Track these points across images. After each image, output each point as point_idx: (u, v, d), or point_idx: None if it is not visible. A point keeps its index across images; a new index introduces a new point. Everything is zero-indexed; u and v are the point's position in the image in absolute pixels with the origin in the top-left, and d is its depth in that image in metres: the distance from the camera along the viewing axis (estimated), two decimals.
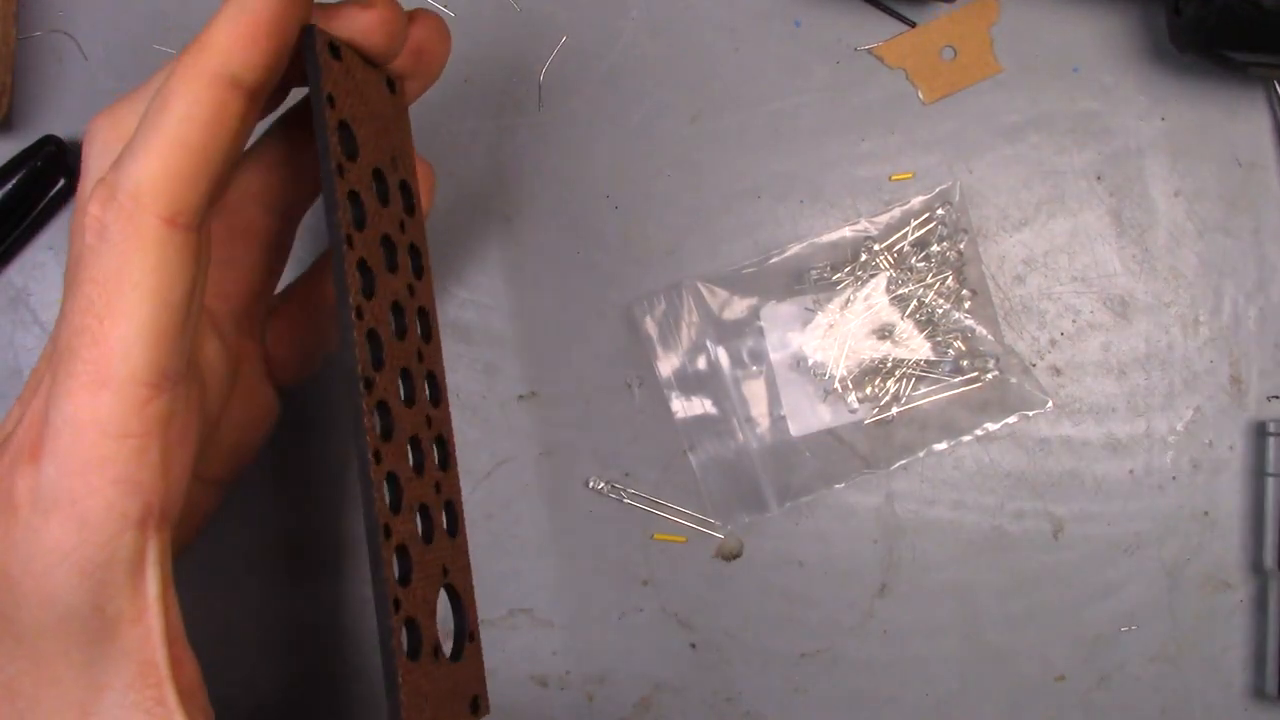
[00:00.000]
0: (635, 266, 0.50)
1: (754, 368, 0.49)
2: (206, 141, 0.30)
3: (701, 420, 0.49)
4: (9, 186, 0.48)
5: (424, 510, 0.34)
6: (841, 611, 0.49)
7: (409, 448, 0.34)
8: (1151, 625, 0.48)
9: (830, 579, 0.49)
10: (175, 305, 0.30)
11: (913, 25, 0.50)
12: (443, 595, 0.35)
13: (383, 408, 0.33)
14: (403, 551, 0.32)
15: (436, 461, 0.36)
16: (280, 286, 0.41)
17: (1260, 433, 0.48)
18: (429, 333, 0.37)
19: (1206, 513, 0.48)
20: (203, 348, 0.36)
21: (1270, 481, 0.47)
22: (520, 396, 0.50)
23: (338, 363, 0.32)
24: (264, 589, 0.49)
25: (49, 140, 0.48)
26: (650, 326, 0.49)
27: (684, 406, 0.49)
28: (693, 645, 0.49)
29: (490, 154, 0.50)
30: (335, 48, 0.33)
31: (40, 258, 0.50)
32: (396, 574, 0.32)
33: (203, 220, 0.31)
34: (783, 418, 0.49)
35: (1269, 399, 0.49)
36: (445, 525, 0.36)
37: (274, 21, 0.30)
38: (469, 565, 0.37)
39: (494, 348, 0.50)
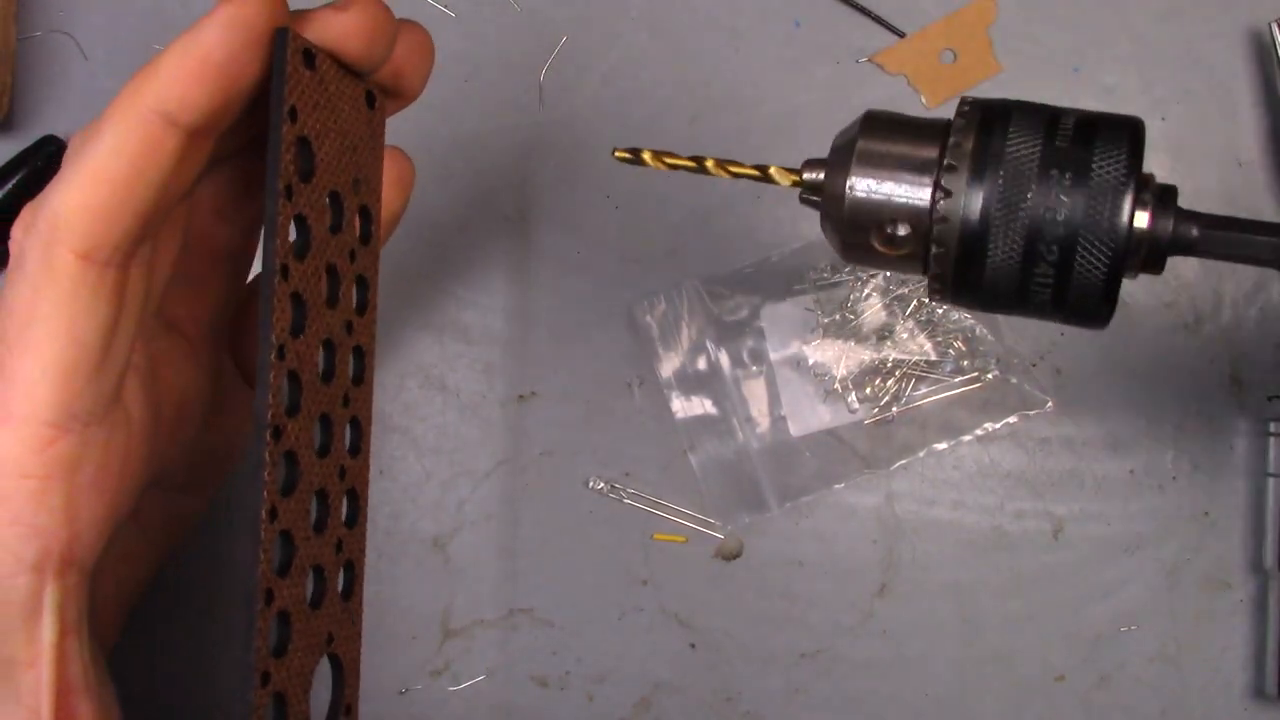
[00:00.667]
0: (635, 266, 0.50)
1: (754, 368, 0.49)
2: (132, 178, 0.28)
3: (701, 420, 0.49)
4: (9, 186, 0.48)
5: (318, 571, 0.32)
6: (841, 611, 0.49)
7: (314, 501, 0.31)
8: (1151, 625, 0.48)
9: (830, 579, 0.49)
10: (87, 344, 0.29)
11: (902, 35, 0.50)
12: (324, 663, 0.32)
13: (289, 458, 0.30)
14: (283, 618, 0.30)
15: (344, 517, 0.33)
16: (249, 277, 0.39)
17: (1260, 433, 0.48)
18: (361, 375, 0.34)
19: (1206, 513, 0.48)
20: (162, 376, 0.34)
21: (1270, 481, 0.47)
22: (520, 396, 0.50)
23: (252, 404, 0.30)
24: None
25: (49, 140, 0.48)
26: (650, 326, 0.49)
27: (684, 406, 0.49)
28: (692, 645, 0.49)
29: (490, 154, 0.50)
30: (310, 55, 0.30)
31: None
32: (272, 643, 0.29)
33: (128, 256, 0.29)
34: (783, 418, 0.49)
35: (1269, 399, 0.49)
36: (340, 588, 0.33)
37: (227, 64, 0.28)
38: (359, 632, 0.34)
39: (494, 348, 0.50)
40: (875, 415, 0.49)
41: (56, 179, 0.29)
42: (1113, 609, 0.48)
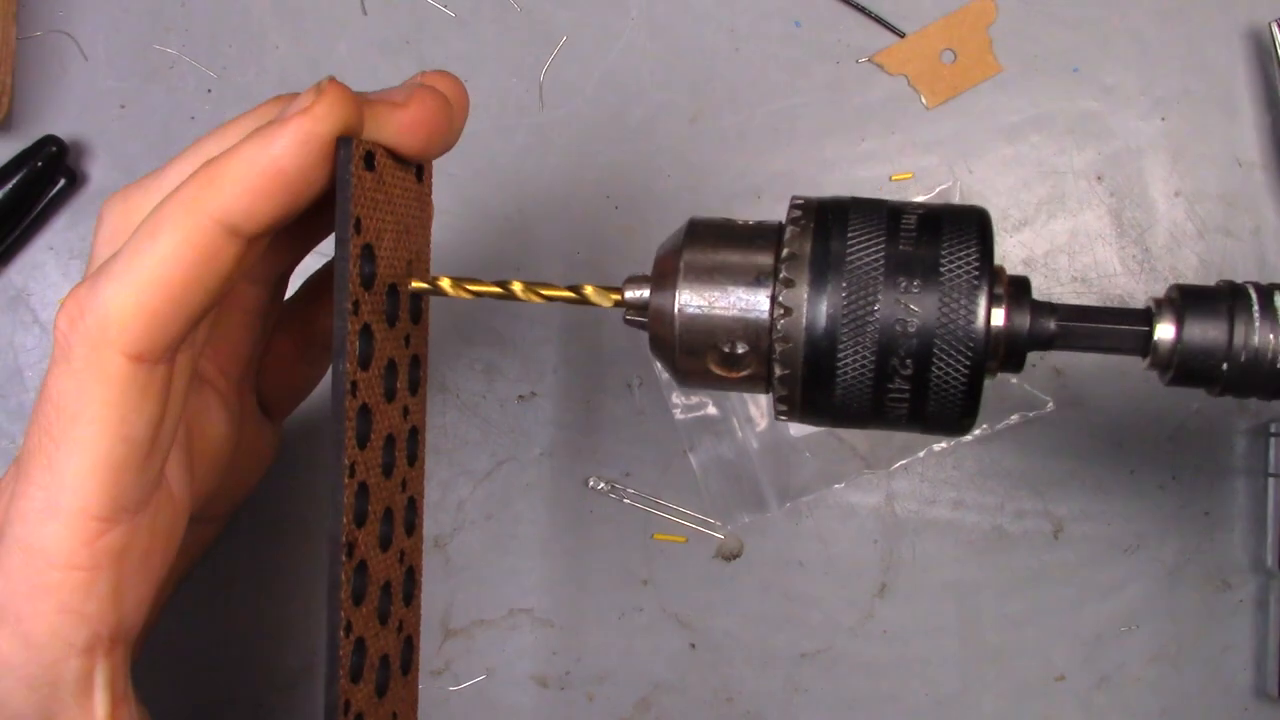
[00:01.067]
0: (635, 266, 0.49)
1: None
2: (190, 284, 0.28)
3: (701, 420, 0.49)
4: (9, 186, 0.48)
5: (384, 660, 0.33)
6: (841, 611, 0.49)
7: (380, 596, 0.32)
8: (1151, 625, 0.48)
9: (830, 579, 0.49)
10: (136, 440, 0.29)
11: (903, 35, 0.50)
12: None
13: (361, 569, 0.31)
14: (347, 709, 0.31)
15: (403, 598, 0.34)
16: None
17: (1260, 433, 0.48)
18: (414, 456, 0.35)
19: (1206, 513, 0.48)
20: (196, 435, 0.34)
21: (1271, 481, 0.47)
22: (520, 396, 0.50)
23: (326, 512, 0.30)
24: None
25: (49, 140, 0.48)
26: None
27: (684, 406, 0.49)
28: (692, 645, 0.49)
29: (490, 154, 0.50)
30: (370, 156, 0.29)
31: (40, 258, 0.50)
32: None
33: (176, 351, 0.29)
34: None
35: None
36: (400, 664, 0.34)
37: (299, 178, 0.28)
38: (416, 700, 0.36)
39: (494, 348, 0.50)
40: None
41: (105, 270, 0.28)
42: (1113, 609, 0.48)
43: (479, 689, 0.49)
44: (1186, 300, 0.30)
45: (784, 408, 0.29)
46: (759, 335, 0.28)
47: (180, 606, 0.40)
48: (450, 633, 0.49)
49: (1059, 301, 0.30)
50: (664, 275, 0.29)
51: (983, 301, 0.27)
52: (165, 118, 0.50)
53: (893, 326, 0.27)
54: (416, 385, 0.34)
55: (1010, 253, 0.49)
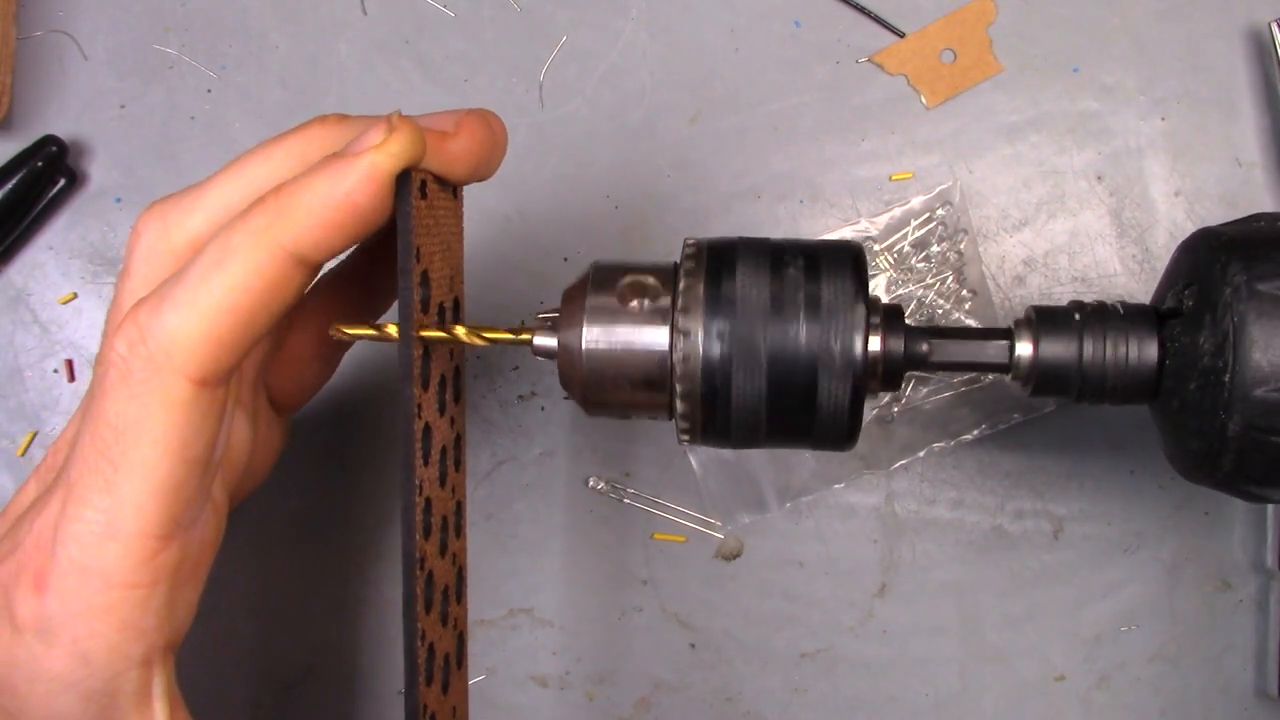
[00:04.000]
0: None
1: None
2: (256, 310, 0.28)
3: None
4: (9, 186, 0.48)
5: (446, 659, 0.34)
6: (841, 611, 0.49)
7: (441, 601, 0.33)
8: (1151, 625, 0.48)
9: (830, 579, 0.49)
10: (197, 461, 0.29)
11: (902, 35, 0.50)
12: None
13: (430, 580, 0.32)
14: None
15: (456, 597, 0.36)
16: None
17: None
18: (460, 461, 0.35)
19: (1206, 513, 0.48)
20: (228, 444, 0.34)
21: None
22: (520, 396, 0.50)
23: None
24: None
25: (49, 140, 0.48)
26: None
27: None
28: (692, 645, 0.49)
29: None
30: (423, 185, 0.30)
31: (40, 258, 0.50)
32: None
33: (234, 371, 0.30)
34: None
35: None
36: (456, 659, 0.36)
37: (369, 212, 0.28)
38: (467, 693, 0.37)
39: (494, 348, 0.50)
40: (875, 415, 0.49)
41: (169, 296, 0.28)
42: (1113, 609, 0.48)
43: (479, 689, 0.49)
44: (1042, 320, 0.33)
45: (685, 427, 0.31)
46: (660, 369, 0.30)
47: None
48: None
49: (934, 326, 0.33)
50: (570, 316, 0.31)
51: (860, 328, 0.30)
52: (165, 118, 0.50)
53: (780, 355, 0.29)
54: (459, 395, 0.35)
55: (1010, 253, 0.49)
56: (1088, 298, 0.49)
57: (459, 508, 0.35)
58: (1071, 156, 0.49)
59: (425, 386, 0.31)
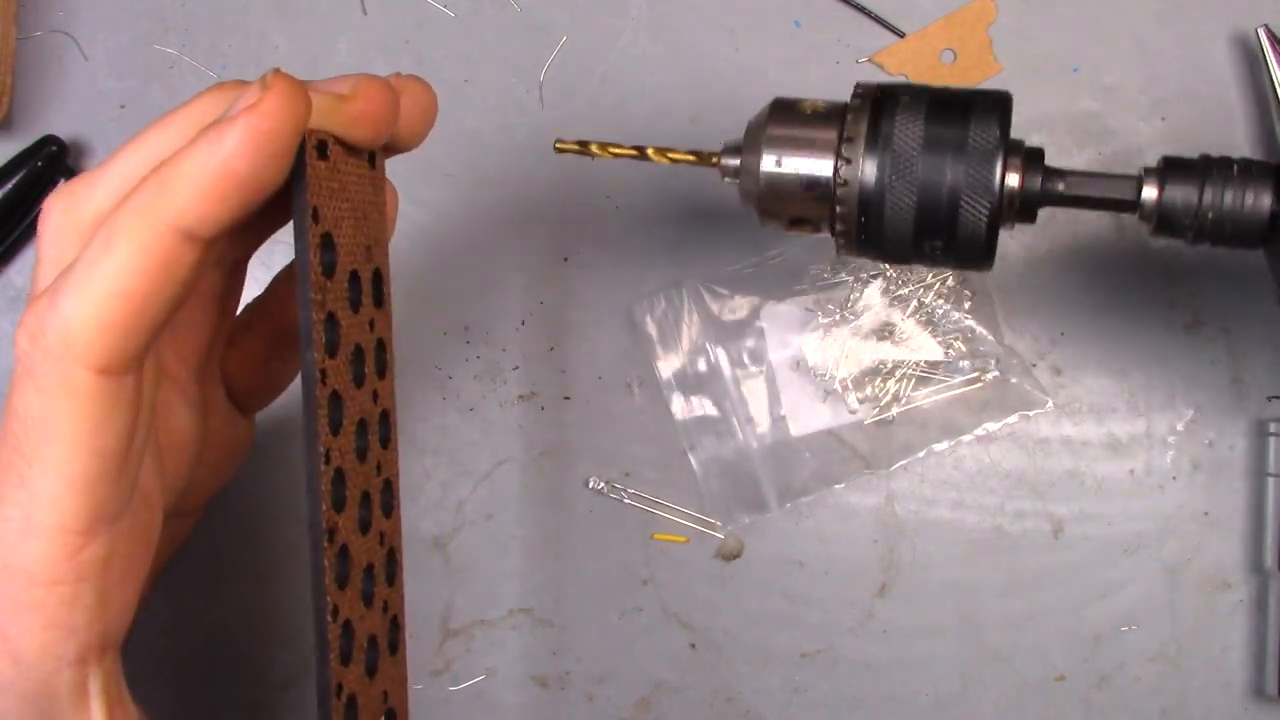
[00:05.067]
0: (635, 266, 0.50)
1: (754, 368, 0.49)
2: (149, 292, 0.27)
3: (701, 420, 0.49)
4: (9, 186, 0.48)
5: (372, 640, 0.33)
6: (841, 611, 0.49)
7: (362, 579, 0.33)
8: (1151, 625, 0.48)
9: (830, 579, 0.49)
10: (110, 452, 0.28)
11: (902, 35, 0.50)
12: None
13: (343, 553, 0.31)
14: (351, 703, 0.32)
15: (386, 579, 0.34)
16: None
17: (1260, 433, 0.48)
18: (387, 439, 0.35)
19: (1206, 513, 0.48)
20: (161, 431, 0.33)
21: (1270, 481, 0.47)
22: (520, 396, 0.50)
23: (304, 505, 0.30)
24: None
25: (49, 140, 0.48)
26: (650, 327, 0.49)
27: (684, 406, 0.49)
28: (693, 645, 0.49)
29: (490, 154, 0.50)
30: (323, 145, 0.30)
31: None
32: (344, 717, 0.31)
33: (142, 359, 0.29)
34: (783, 418, 0.49)
35: (1269, 399, 0.49)
36: (387, 644, 0.35)
37: (251, 178, 0.27)
38: (405, 677, 0.36)
39: (494, 348, 0.50)
40: (875, 415, 0.49)
41: (62, 285, 0.28)
42: (1113, 609, 0.48)
43: (479, 689, 0.49)
44: (1169, 167, 0.37)
45: (842, 241, 0.36)
46: (825, 189, 0.35)
47: (170, 607, 0.39)
48: (450, 633, 0.49)
49: (1071, 170, 0.36)
50: (752, 143, 0.36)
51: (999, 165, 0.34)
52: None
53: (928, 183, 0.34)
54: (384, 369, 0.35)
55: (1010, 253, 0.49)
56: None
57: (388, 485, 0.35)
58: (1071, 156, 0.49)
59: (333, 354, 0.30)
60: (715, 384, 0.49)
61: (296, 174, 0.29)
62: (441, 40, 0.51)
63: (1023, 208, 0.35)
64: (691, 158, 0.38)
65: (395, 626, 0.35)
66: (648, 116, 0.50)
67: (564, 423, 0.49)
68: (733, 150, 0.37)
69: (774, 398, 0.49)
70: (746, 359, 0.49)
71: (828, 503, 0.49)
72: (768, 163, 0.36)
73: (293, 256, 0.37)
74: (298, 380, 0.33)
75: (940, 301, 0.49)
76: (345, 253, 0.31)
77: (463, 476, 0.49)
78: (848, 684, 0.49)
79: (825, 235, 0.37)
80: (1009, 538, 0.49)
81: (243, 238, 0.35)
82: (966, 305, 0.49)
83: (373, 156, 0.33)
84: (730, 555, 0.49)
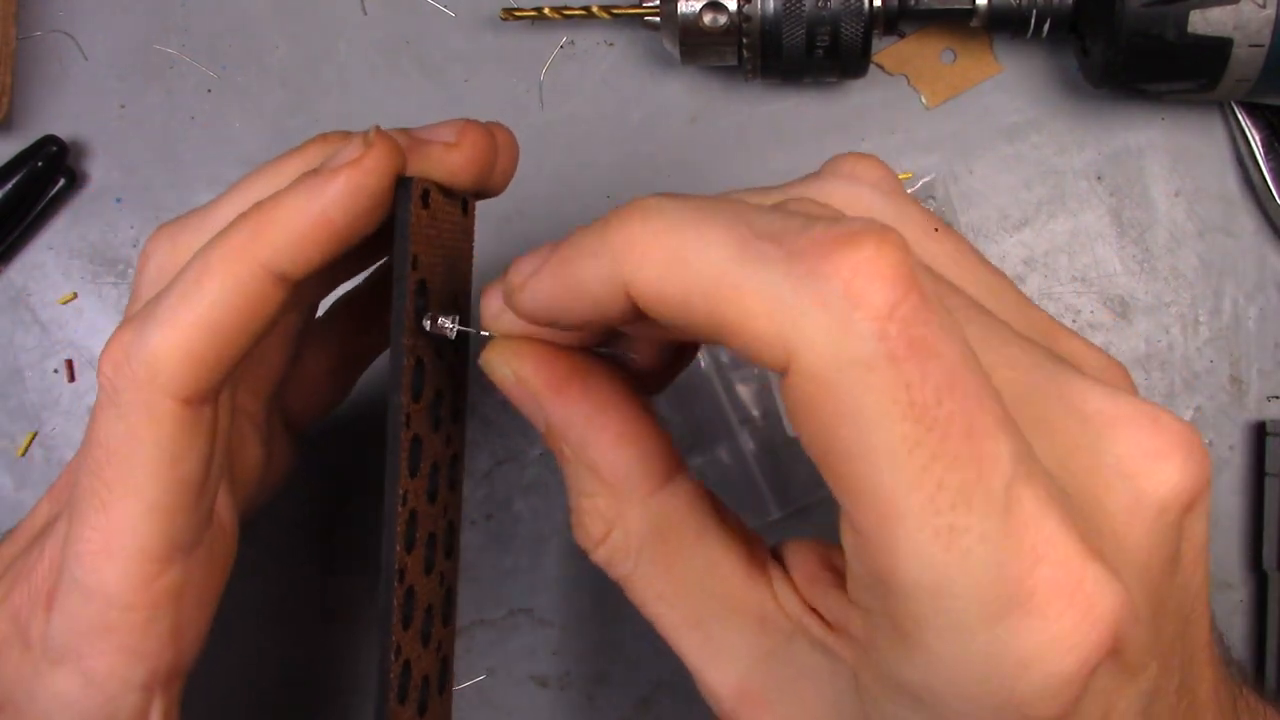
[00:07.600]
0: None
1: (753, 369, 0.49)
2: (238, 328, 0.28)
3: (700, 422, 0.49)
4: (9, 186, 0.48)
5: (425, 681, 0.34)
6: None
7: (423, 619, 0.33)
8: None
9: None
10: (189, 481, 0.29)
11: (902, 35, 0.50)
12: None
13: (410, 594, 0.31)
14: None
15: (441, 619, 0.35)
16: None
17: (1260, 433, 0.48)
18: (455, 481, 0.35)
19: None
20: (236, 463, 0.34)
21: (1270, 481, 0.47)
22: None
23: (374, 620, 0.31)
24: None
25: (49, 140, 0.48)
26: None
27: (683, 408, 0.49)
28: None
29: None
30: (426, 194, 0.30)
31: (40, 258, 0.50)
32: None
33: (222, 389, 0.29)
34: (781, 420, 0.49)
35: (1269, 399, 0.49)
36: (438, 684, 0.35)
37: (348, 227, 0.28)
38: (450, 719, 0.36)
39: None
40: None
41: (150, 314, 0.28)
42: None
43: (479, 689, 0.49)
44: None
45: (749, 68, 0.46)
46: (733, 25, 0.45)
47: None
48: None
49: None
50: None
51: None
52: (165, 118, 0.50)
53: (815, 14, 0.44)
54: (459, 414, 0.35)
55: (1010, 252, 0.49)
56: (1087, 296, 0.49)
57: (451, 528, 0.35)
58: (1071, 156, 0.49)
59: (417, 399, 0.31)
60: (713, 386, 0.49)
61: (400, 222, 0.29)
62: (441, 40, 0.51)
63: (887, 22, 0.45)
64: (632, 9, 0.47)
65: (445, 667, 0.35)
66: (648, 116, 0.50)
67: None
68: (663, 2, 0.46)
69: (774, 399, 0.49)
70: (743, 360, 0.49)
71: (828, 506, 0.49)
72: (686, 8, 0.44)
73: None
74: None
75: None
76: (435, 300, 0.32)
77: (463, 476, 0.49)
78: None
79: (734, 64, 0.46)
80: None
81: (321, 281, 0.35)
82: None
83: (465, 203, 0.34)
84: None
